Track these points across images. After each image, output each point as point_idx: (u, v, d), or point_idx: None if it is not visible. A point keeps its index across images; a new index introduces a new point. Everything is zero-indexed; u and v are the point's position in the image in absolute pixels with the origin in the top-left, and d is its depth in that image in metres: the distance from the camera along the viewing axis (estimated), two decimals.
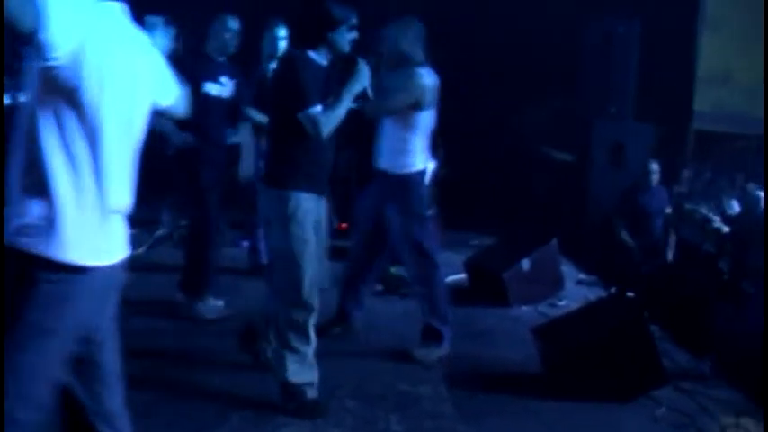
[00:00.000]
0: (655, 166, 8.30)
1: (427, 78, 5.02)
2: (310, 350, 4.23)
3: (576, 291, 7.17)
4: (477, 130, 9.51)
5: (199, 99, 4.65)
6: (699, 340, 5.62)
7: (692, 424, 4.49)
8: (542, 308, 6.59)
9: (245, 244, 7.23)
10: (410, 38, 5.04)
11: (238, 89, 5.73)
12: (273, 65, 5.99)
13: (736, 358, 5.48)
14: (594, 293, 7.02)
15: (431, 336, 5.25)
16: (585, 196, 8.97)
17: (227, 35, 5.61)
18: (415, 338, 5.25)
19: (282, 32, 6.31)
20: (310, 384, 4.25)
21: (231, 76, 5.66)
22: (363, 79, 4.13)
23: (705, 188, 9.88)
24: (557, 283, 6.99)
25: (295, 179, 4.08)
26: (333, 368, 4.57)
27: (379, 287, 6.55)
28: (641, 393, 4.71)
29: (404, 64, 5.01)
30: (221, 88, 5.60)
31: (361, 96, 4.34)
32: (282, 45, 6.28)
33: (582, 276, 7.70)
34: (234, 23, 5.64)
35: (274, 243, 4.22)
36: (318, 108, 3.96)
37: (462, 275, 7.17)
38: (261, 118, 6.05)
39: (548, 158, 9.66)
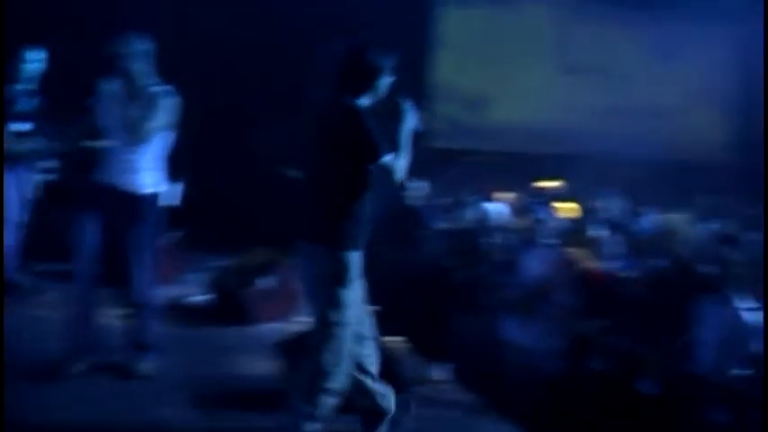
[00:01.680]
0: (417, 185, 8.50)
1: (164, 98, 5.05)
2: None
3: None
4: (220, 150, 9.66)
5: None
6: (438, 349, 5.92)
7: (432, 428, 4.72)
8: (281, 325, 6.71)
9: None
10: (140, 57, 5.04)
11: None
12: None
13: (474, 364, 5.91)
14: None
15: (145, 348, 5.34)
16: None
17: None
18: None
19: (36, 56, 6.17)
20: None
21: None
22: (412, 119, 4.18)
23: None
24: (294, 301, 7.01)
25: (351, 237, 4.04)
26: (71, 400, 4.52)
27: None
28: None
29: (140, 85, 5.02)
30: None
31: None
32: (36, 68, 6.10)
33: None
34: None
35: (324, 306, 4.10)
36: (389, 157, 3.99)
37: (206, 296, 7.25)
38: None
39: (285, 178, 9.80)
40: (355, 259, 4.06)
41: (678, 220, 6.54)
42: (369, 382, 4.27)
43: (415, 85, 10.11)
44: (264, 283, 6.93)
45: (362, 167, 4.02)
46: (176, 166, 5.54)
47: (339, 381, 4.10)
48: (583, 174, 11.57)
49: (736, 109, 14.41)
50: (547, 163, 11.32)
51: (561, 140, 12.81)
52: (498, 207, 8.89)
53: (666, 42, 13.81)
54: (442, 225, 8.44)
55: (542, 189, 10.25)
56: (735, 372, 5.17)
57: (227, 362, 5.76)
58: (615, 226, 7.79)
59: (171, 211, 5.57)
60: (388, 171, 4.01)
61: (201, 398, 5.01)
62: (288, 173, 9.48)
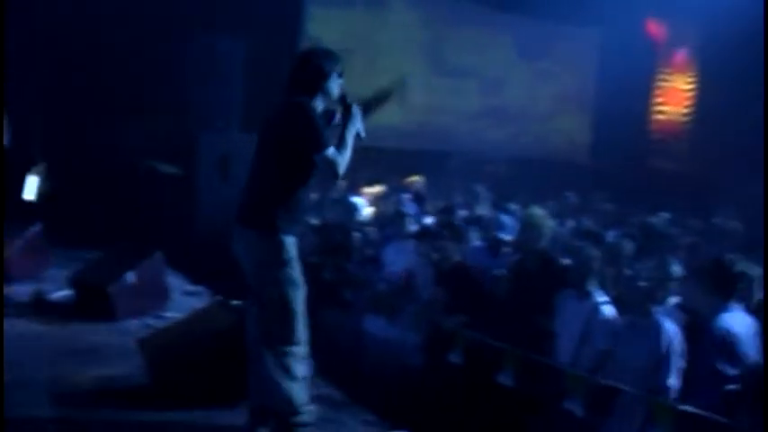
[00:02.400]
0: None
1: None
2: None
3: (183, 301, 7.32)
4: (82, 145, 9.47)
5: None
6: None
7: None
8: (149, 320, 6.69)
9: None
10: None
11: None
12: None
13: (338, 359, 5.99)
14: (202, 303, 7.07)
15: None
16: (193, 209, 9.19)
17: None
18: None
19: None
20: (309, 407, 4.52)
21: None
22: (358, 122, 4.44)
23: None
24: (162, 295, 7.14)
25: (290, 224, 4.32)
26: None
27: None
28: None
29: None
30: None
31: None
32: None
33: (189, 287, 7.89)
34: None
35: (268, 288, 4.36)
36: (332, 150, 4.25)
37: (68, 291, 7.11)
38: None
39: (154, 172, 9.74)
40: (292, 242, 4.34)
41: (540, 215, 6.72)
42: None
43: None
44: (129, 277, 6.84)
45: (306, 159, 4.27)
46: (32, 159, 5.42)
47: (303, 350, 4.46)
48: (451, 170, 11.90)
49: (599, 110, 14.91)
50: (416, 160, 11.55)
51: (432, 139, 13.22)
52: (366, 202, 8.91)
53: (536, 44, 14.30)
54: (310, 221, 8.51)
55: (409, 184, 10.39)
56: (591, 365, 5.33)
57: (89, 360, 5.68)
58: (479, 220, 8.00)
59: (30, 204, 5.44)
60: (329, 164, 4.25)
61: (61, 396, 4.95)
62: (158, 167, 9.69)
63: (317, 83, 4.45)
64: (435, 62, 13.69)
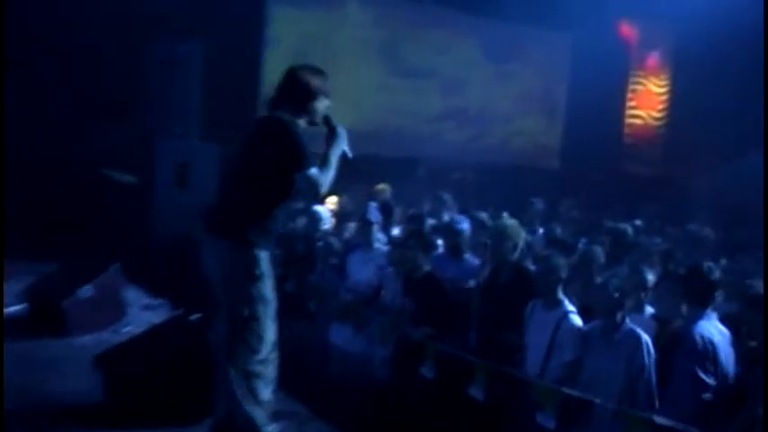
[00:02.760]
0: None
1: None
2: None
3: (142, 316, 7.34)
4: (34, 153, 9.49)
5: None
6: None
7: None
8: (106, 335, 6.67)
9: None
10: None
11: None
12: None
13: (303, 372, 5.99)
14: (161, 317, 7.09)
15: None
16: (151, 218, 9.21)
17: None
18: None
19: None
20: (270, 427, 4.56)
21: None
22: (343, 142, 4.52)
23: None
24: (120, 309, 7.14)
25: (264, 238, 4.39)
26: None
27: None
28: (207, 414, 4.82)
29: None
30: None
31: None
32: None
33: (148, 301, 7.87)
34: None
35: (237, 303, 4.39)
36: (315, 170, 4.30)
37: (22, 305, 7.11)
38: None
39: (110, 181, 9.70)
40: (265, 257, 4.40)
41: (512, 225, 6.79)
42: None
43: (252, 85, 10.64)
44: (85, 291, 6.86)
45: (287, 176, 4.33)
46: None
47: (270, 371, 4.50)
48: (415, 177, 11.93)
49: (570, 114, 15.11)
50: (378, 166, 11.50)
51: (394, 144, 13.30)
52: (329, 211, 8.99)
53: (503, 47, 14.42)
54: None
55: (377, 192, 10.36)
56: (560, 376, 5.38)
57: (44, 377, 5.67)
58: (445, 229, 7.99)
59: None
60: (311, 184, 4.32)
61: (14, 415, 4.92)
62: (114, 176, 9.66)
63: (303, 102, 4.53)
64: (393, 63, 13.83)
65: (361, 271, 7.43)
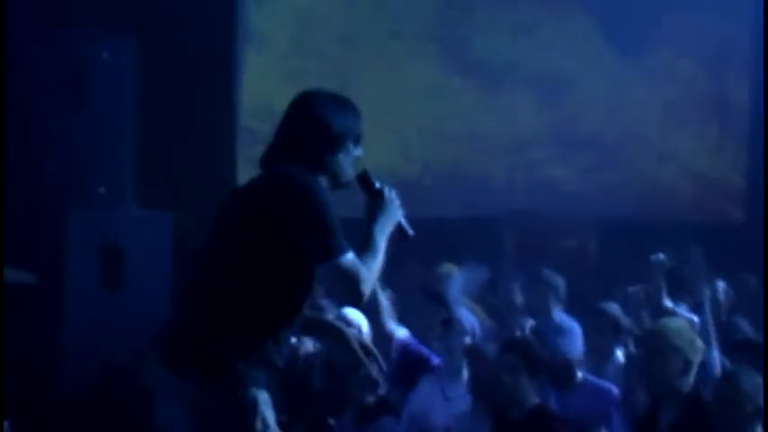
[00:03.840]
0: None
1: None
2: None
3: None
4: None
5: None
6: None
7: None
8: None
9: None
10: None
11: None
12: None
13: None
14: None
15: None
16: (58, 343, 8.41)
17: None
18: None
19: None
20: None
21: None
22: (396, 211, 4.36)
23: None
24: None
25: (263, 369, 4.13)
26: None
27: None
28: None
29: None
30: None
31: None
32: None
33: None
34: None
35: None
36: (351, 256, 4.07)
37: None
38: None
39: None
40: (266, 400, 4.13)
41: (675, 327, 6.26)
42: None
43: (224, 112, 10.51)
44: None
45: (304, 267, 4.14)
46: None
47: None
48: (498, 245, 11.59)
49: (748, 132, 13.78)
50: (434, 232, 10.63)
51: (458, 193, 12.49)
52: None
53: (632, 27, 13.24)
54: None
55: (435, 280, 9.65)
56: None
57: None
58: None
59: None
60: (348, 278, 4.07)
61: None
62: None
63: (321, 152, 4.30)
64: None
65: (439, 408, 7.13)
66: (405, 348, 7.91)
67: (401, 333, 8.06)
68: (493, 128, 12.69)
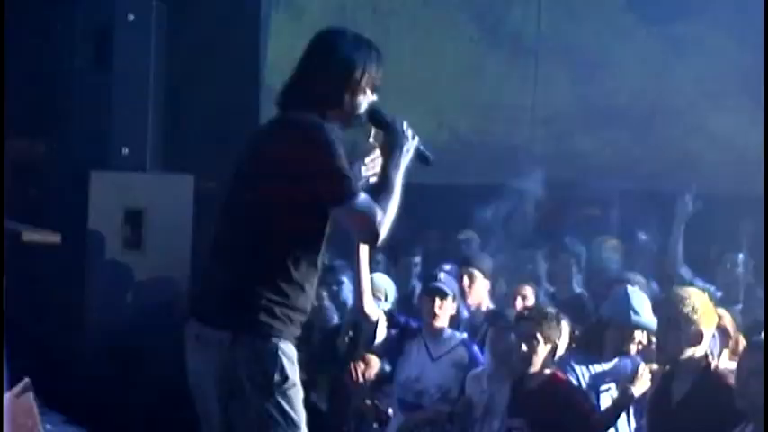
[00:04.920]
0: None
1: None
2: None
3: None
4: None
5: None
6: None
7: None
8: None
9: None
10: None
11: None
12: None
13: None
14: None
15: None
16: (82, 301, 8.60)
17: None
18: None
19: None
20: None
21: None
22: (409, 142, 4.27)
23: None
24: None
25: (287, 321, 4.13)
26: None
27: None
28: None
29: None
30: None
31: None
32: None
33: None
34: None
35: (248, 428, 4.17)
36: (366, 198, 4.07)
37: None
38: None
39: (16, 243, 8.50)
40: (291, 353, 4.15)
41: (688, 293, 5.99)
42: None
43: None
44: None
45: (318, 213, 4.14)
46: None
47: None
48: (521, 215, 11.18)
49: None
50: (458, 199, 10.99)
51: (484, 162, 12.44)
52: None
53: None
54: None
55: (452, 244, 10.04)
56: None
57: None
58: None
59: None
60: (362, 220, 4.09)
61: None
62: (24, 235, 8.46)
63: (339, 90, 4.20)
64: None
65: (429, 370, 7.14)
66: (390, 320, 7.72)
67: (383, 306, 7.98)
68: (521, 98, 12.70)
